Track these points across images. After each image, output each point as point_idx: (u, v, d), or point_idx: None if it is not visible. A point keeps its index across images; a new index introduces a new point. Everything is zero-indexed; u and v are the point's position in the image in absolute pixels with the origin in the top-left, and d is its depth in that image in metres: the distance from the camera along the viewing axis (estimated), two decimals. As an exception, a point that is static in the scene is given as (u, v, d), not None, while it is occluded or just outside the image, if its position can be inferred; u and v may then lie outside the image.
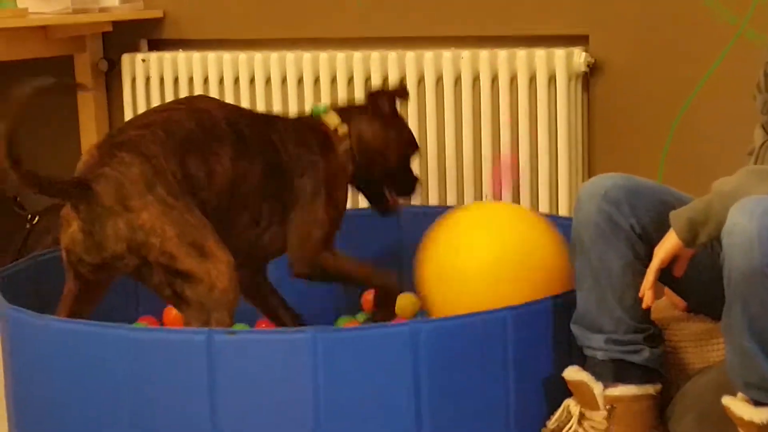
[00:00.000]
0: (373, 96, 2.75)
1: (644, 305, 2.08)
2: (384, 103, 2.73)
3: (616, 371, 2.15)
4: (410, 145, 2.78)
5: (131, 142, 2.34)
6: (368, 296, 3.00)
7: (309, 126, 2.67)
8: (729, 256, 1.88)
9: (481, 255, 2.41)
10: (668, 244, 2.04)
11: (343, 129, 2.67)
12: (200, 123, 2.44)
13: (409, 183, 2.79)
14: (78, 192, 2.27)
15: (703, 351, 2.25)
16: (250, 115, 2.61)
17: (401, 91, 2.79)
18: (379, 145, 2.71)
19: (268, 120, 2.63)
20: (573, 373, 2.18)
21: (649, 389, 2.16)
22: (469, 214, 2.58)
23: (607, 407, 2.14)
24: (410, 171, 2.80)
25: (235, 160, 2.45)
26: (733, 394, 1.96)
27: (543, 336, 2.23)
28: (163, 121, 2.41)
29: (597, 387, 2.15)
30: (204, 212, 2.38)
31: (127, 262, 2.28)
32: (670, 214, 2.04)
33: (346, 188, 2.69)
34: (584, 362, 2.19)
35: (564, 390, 2.20)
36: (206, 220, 2.35)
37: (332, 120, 2.69)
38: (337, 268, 2.59)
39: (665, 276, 2.09)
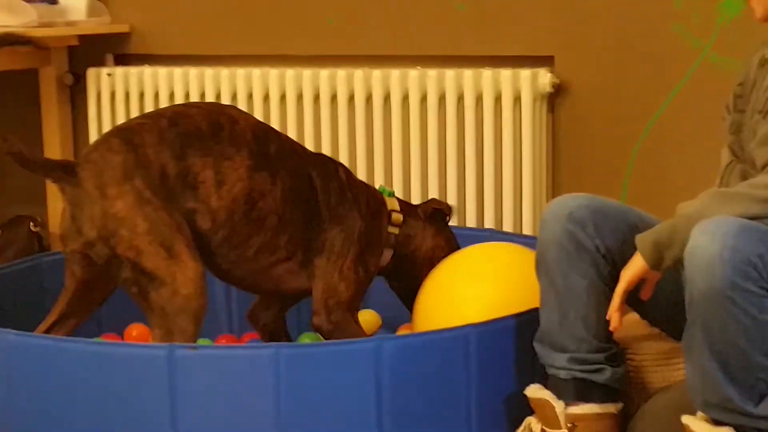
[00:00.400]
0: (429, 204, 2.67)
1: (612, 327, 2.09)
2: (438, 215, 2.65)
3: (578, 390, 2.16)
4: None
5: (128, 129, 2.31)
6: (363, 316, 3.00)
7: (369, 191, 2.60)
8: (690, 277, 1.89)
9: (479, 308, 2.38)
10: (634, 268, 2.05)
11: (398, 216, 2.60)
12: (216, 125, 2.35)
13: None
14: (63, 173, 2.25)
15: (664, 370, 2.26)
16: (289, 142, 2.49)
17: (448, 208, 2.69)
18: (424, 252, 2.62)
19: (317, 158, 2.53)
20: (535, 391, 2.19)
21: (611, 408, 2.17)
22: (466, 261, 2.54)
23: (569, 425, 2.15)
24: None
25: (253, 172, 2.35)
26: (693, 413, 1.97)
27: (506, 353, 2.24)
28: (174, 113, 2.35)
29: (559, 405, 2.15)
30: (200, 221, 2.32)
31: (97, 251, 2.24)
32: (636, 237, 2.05)
33: (379, 257, 2.58)
34: (546, 380, 2.20)
35: (526, 407, 2.20)
36: (183, 223, 2.27)
37: (393, 204, 2.62)
38: (351, 335, 2.46)
39: (629, 296, 2.10)
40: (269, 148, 2.40)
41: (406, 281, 2.64)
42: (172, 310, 2.23)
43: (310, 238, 2.45)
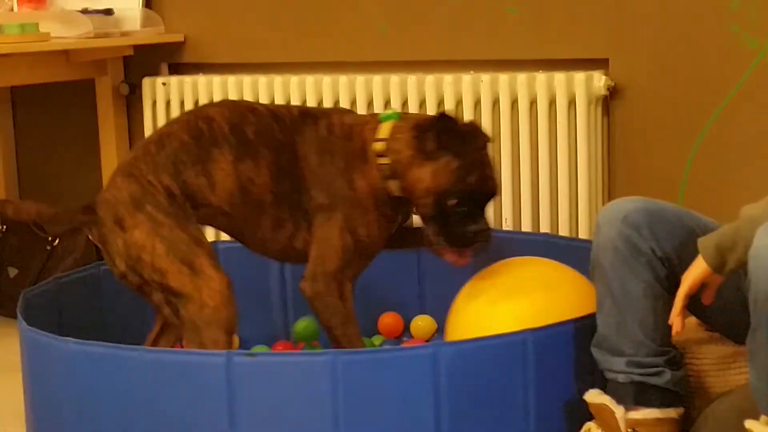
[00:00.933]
0: (425, 117, 2.46)
1: (674, 332, 2.07)
2: (437, 127, 2.39)
3: (637, 394, 2.14)
4: (457, 191, 2.39)
5: (125, 164, 2.45)
6: (385, 319, 3.00)
7: (352, 135, 2.47)
8: (755, 279, 1.87)
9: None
10: (696, 271, 2.03)
11: (380, 146, 2.44)
12: (196, 133, 2.43)
13: (460, 235, 2.42)
14: (86, 218, 2.40)
15: (725, 374, 2.23)
16: (267, 115, 2.48)
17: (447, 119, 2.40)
18: (411, 179, 2.42)
19: (299, 120, 2.50)
20: (594, 396, 2.17)
21: (671, 413, 2.15)
22: (503, 278, 2.47)
23: (629, 431, 2.13)
24: (464, 222, 2.41)
25: (237, 164, 2.43)
26: (756, 417, 1.95)
27: (564, 359, 2.22)
28: (158, 136, 2.46)
29: (618, 410, 2.14)
30: (219, 220, 2.44)
31: (130, 279, 2.37)
32: (698, 240, 2.03)
33: (374, 218, 2.46)
34: (605, 385, 2.18)
35: (586, 413, 2.19)
36: (201, 236, 2.37)
37: (383, 131, 2.45)
38: (331, 311, 2.43)
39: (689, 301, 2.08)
40: (247, 134, 2.46)
41: (435, 218, 2.42)
42: (202, 323, 2.30)
43: (303, 205, 2.47)
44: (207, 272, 2.32)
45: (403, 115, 2.50)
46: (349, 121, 2.51)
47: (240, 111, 2.49)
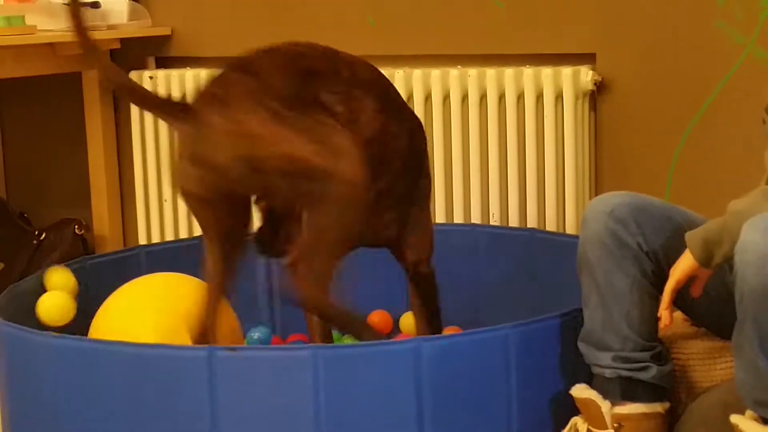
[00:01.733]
0: None
1: (662, 326, 2.08)
2: None
3: (623, 389, 2.14)
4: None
5: (244, 62, 2.21)
6: (373, 317, 2.99)
7: None
8: (741, 274, 1.87)
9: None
10: (684, 265, 2.03)
11: None
12: (335, 67, 2.25)
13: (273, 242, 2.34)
14: (178, 112, 2.13)
15: (710, 369, 2.24)
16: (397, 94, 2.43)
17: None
18: None
19: (411, 114, 2.45)
20: (580, 391, 2.17)
21: (658, 407, 2.15)
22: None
23: (615, 425, 2.13)
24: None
25: (381, 114, 2.26)
26: (742, 412, 1.95)
27: (548, 353, 2.22)
28: (291, 51, 2.26)
29: (605, 405, 2.14)
30: None
31: (234, 175, 2.09)
32: (685, 234, 2.03)
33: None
34: (592, 380, 2.18)
35: (571, 408, 2.19)
36: (332, 119, 2.15)
37: None
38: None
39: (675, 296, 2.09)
40: (391, 95, 2.37)
41: None
42: (346, 201, 2.13)
43: (411, 188, 2.40)
44: (346, 148, 2.10)
45: None
46: None
47: (382, 77, 2.39)
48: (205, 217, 2.23)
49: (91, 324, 2.52)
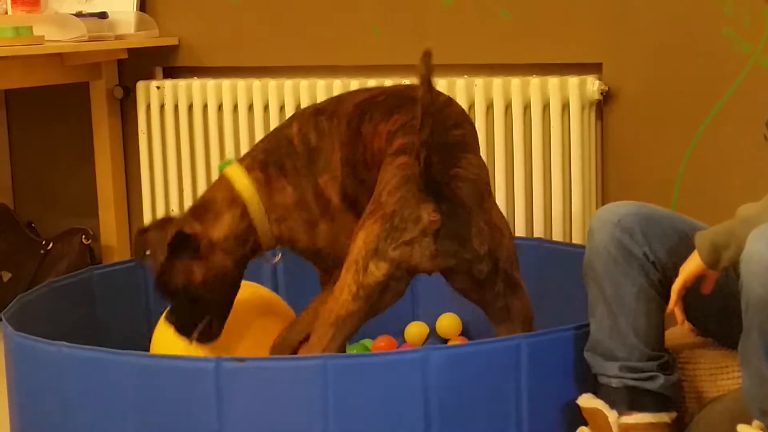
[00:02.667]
0: None
1: (680, 321, 2.08)
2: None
3: (630, 399, 2.14)
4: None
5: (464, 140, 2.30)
6: (378, 343, 2.98)
7: None
8: (747, 283, 1.87)
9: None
10: (691, 266, 2.05)
11: None
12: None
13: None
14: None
15: (717, 379, 2.23)
16: None
17: None
18: None
19: None
20: (587, 401, 2.17)
21: (664, 417, 2.15)
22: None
23: (622, 435, 2.13)
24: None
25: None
26: (748, 422, 1.95)
27: (557, 363, 2.22)
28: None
29: (611, 415, 2.14)
30: None
31: (482, 267, 2.16)
32: (695, 234, 2.05)
33: None
34: (598, 390, 2.18)
35: (579, 417, 2.19)
36: None
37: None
38: None
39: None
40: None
41: None
42: (530, 314, 2.25)
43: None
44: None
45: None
46: None
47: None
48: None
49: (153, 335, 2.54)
